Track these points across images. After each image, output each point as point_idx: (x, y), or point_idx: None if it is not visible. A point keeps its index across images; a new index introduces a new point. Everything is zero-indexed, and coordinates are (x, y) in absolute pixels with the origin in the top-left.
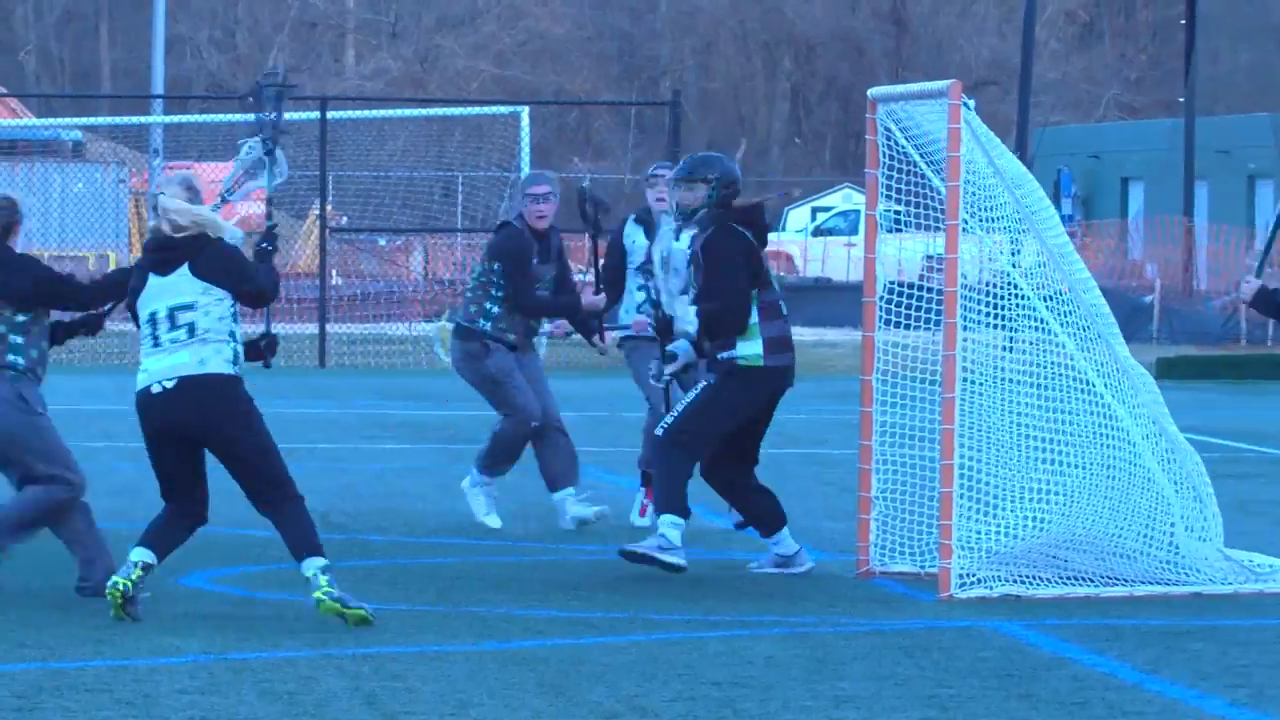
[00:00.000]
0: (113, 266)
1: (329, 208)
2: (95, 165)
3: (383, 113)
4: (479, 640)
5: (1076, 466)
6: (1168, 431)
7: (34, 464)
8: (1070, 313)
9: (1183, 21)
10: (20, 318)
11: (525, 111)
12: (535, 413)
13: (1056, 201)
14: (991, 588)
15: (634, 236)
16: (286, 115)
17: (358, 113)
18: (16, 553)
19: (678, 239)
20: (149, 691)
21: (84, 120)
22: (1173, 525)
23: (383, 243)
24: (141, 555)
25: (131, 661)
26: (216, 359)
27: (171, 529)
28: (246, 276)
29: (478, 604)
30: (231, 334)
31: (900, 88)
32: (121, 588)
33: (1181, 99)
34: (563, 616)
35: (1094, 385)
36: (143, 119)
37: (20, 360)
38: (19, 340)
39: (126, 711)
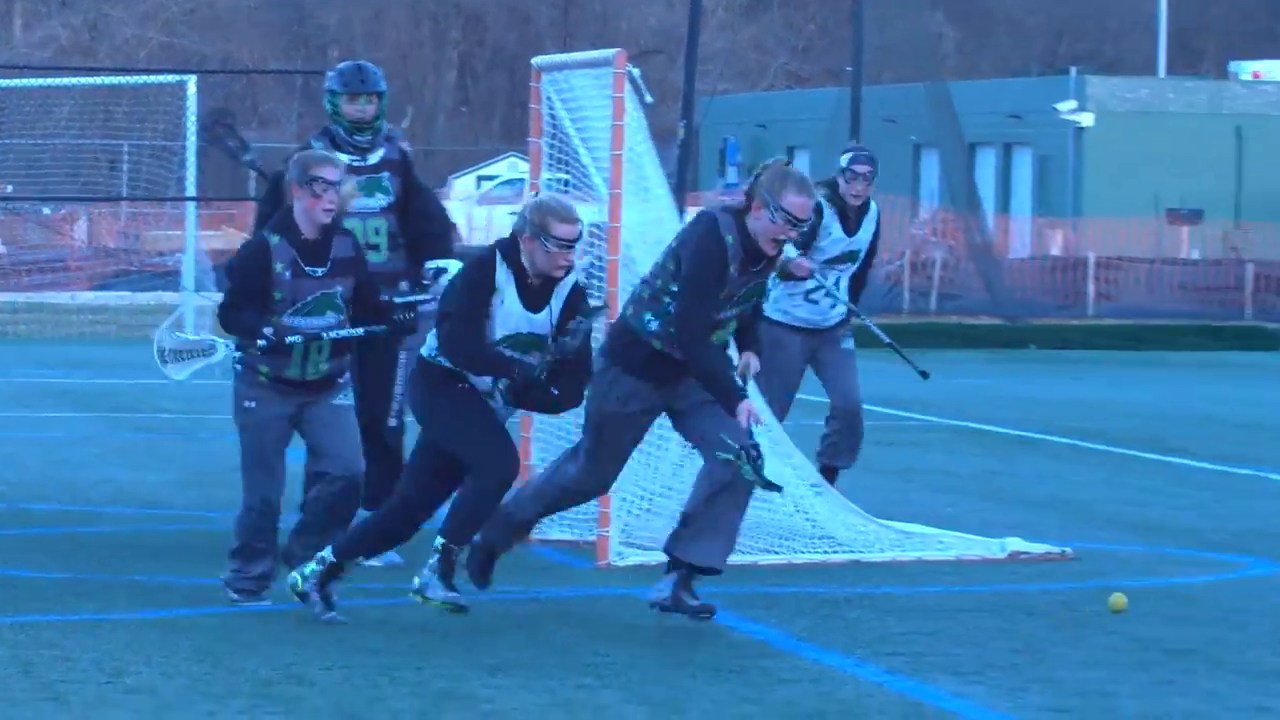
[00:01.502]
0: None
1: None
2: None
3: (49, 81)
4: (138, 608)
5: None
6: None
7: None
8: None
9: None
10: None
11: (192, 80)
12: None
13: (722, 170)
14: (649, 556)
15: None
16: None
17: (23, 81)
18: None
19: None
20: None
21: None
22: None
23: (48, 211)
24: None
25: None
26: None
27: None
28: None
29: (138, 572)
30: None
31: (564, 56)
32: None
33: (849, 68)
34: (222, 584)
35: None
36: None
37: None
38: None
39: None
